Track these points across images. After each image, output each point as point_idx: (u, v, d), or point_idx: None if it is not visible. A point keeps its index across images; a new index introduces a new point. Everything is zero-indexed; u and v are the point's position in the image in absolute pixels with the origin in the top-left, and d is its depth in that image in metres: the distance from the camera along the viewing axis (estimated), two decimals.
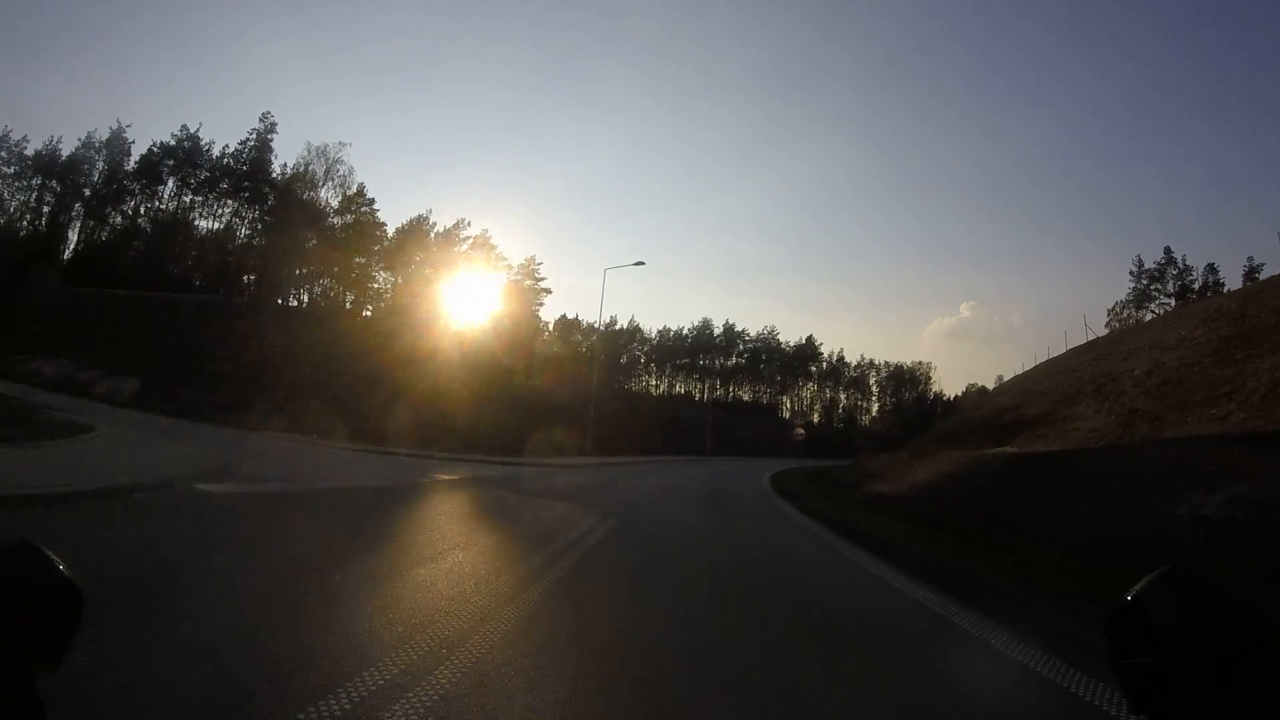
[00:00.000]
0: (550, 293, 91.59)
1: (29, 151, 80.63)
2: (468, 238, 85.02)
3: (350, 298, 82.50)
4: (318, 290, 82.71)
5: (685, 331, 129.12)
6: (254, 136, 79.16)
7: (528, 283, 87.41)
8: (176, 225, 77.66)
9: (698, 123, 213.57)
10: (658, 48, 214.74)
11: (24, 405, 17.59)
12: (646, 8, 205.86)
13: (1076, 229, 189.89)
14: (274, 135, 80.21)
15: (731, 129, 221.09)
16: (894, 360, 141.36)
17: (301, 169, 75.18)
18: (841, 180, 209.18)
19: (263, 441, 26.56)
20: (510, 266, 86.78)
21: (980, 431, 31.68)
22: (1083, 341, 42.38)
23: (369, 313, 79.56)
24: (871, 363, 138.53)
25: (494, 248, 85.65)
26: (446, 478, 19.63)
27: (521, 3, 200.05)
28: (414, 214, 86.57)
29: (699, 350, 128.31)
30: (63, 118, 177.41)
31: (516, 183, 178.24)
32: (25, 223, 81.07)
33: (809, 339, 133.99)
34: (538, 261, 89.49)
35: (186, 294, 59.54)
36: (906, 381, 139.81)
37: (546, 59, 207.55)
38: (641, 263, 45.68)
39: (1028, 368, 48.32)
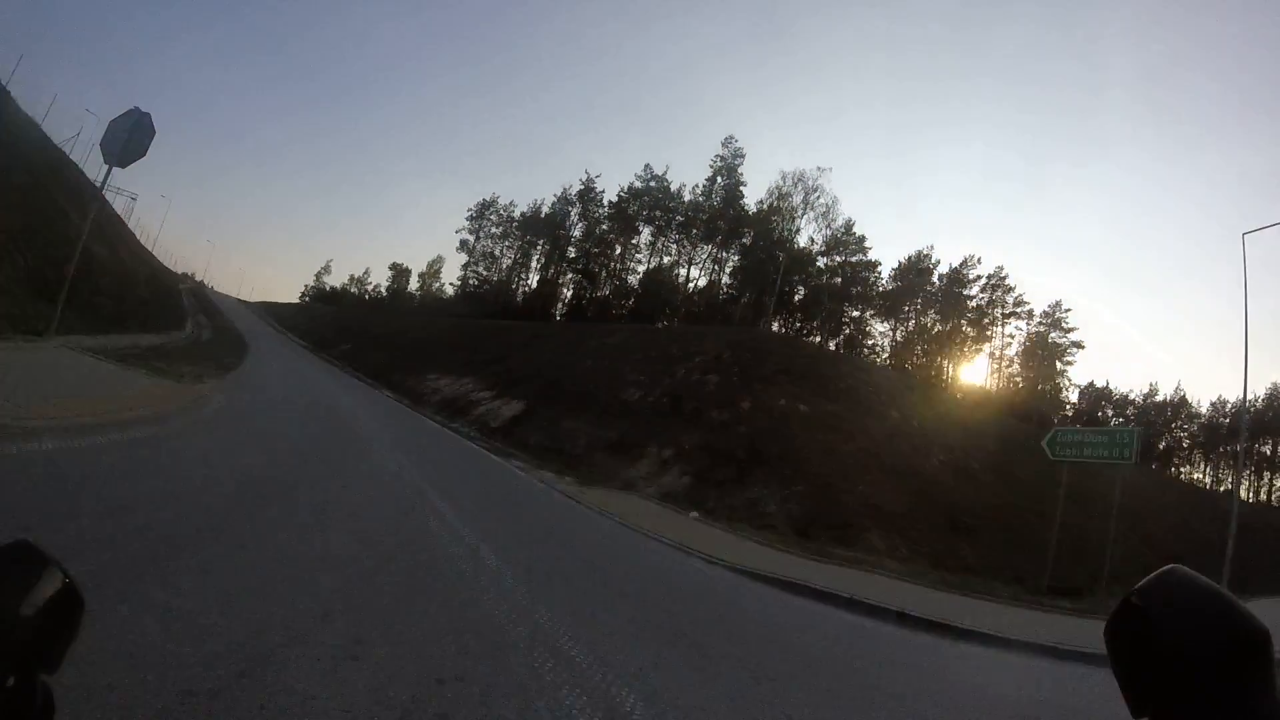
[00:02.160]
0: (1082, 348, 66.95)
1: (516, 214, 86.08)
2: (978, 278, 66.90)
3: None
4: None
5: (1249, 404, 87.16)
6: (720, 163, 70.01)
7: (1053, 335, 65.81)
8: (656, 276, 71.57)
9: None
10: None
11: None
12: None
13: None
14: (740, 161, 70.35)
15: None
16: None
17: (775, 200, 64.43)
18: None
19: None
20: (1030, 314, 66.47)
21: None
22: None
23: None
24: None
25: (1010, 289, 66.60)
26: None
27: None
28: (910, 250, 70.54)
29: (1260, 431, 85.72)
30: (547, 183, 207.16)
31: (1021, 224, 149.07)
32: (516, 276, 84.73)
33: None
34: (1064, 308, 66.70)
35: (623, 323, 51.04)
36: None
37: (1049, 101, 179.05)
38: None
39: None
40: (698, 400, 26.05)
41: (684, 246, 72.44)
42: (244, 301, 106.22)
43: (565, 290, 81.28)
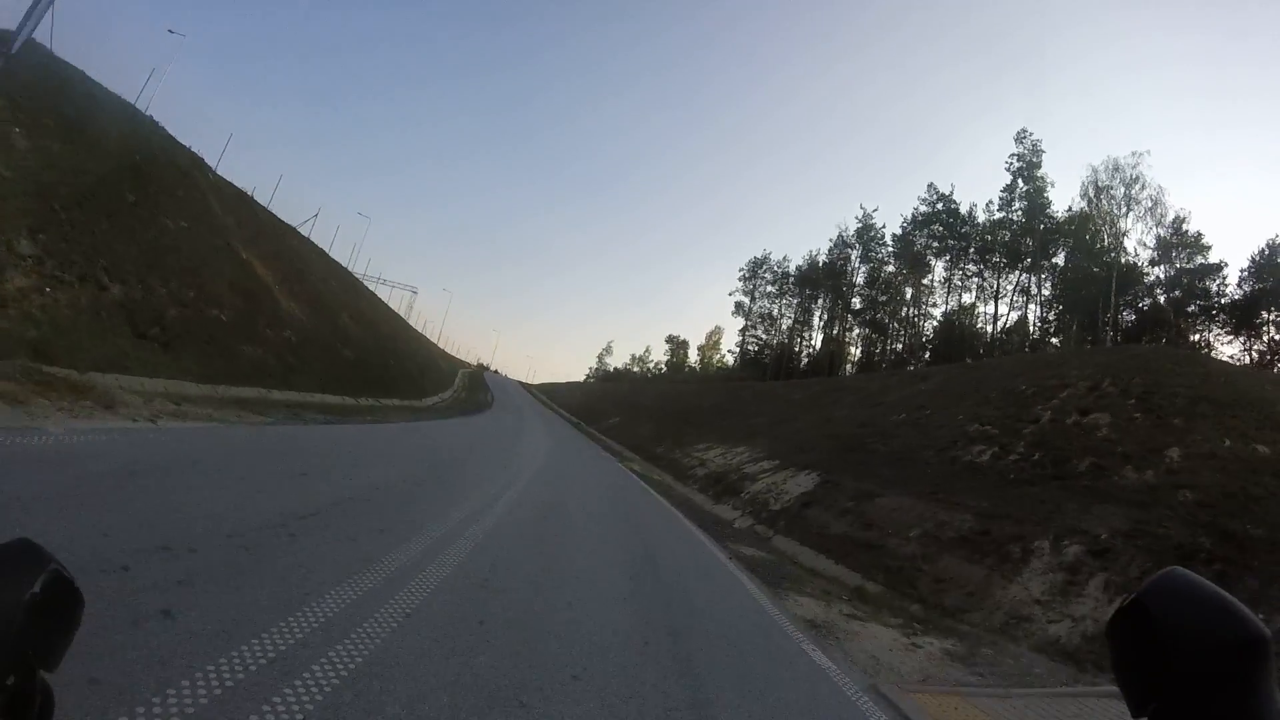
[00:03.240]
0: None
1: (791, 268, 79.46)
2: None
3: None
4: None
5: None
6: (1017, 163, 57.36)
7: None
8: (955, 319, 60.22)
9: None
10: None
11: None
12: None
13: None
14: (1040, 158, 57.15)
15: None
16: None
17: (1091, 198, 50.45)
18: None
19: None
20: None
21: None
22: None
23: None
24: None
25: None
26: None
27: None
28: (1260, 242, 50.00)
29: None
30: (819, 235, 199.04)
31: None
32: (797, 337, 77.55)
33: None
34: None
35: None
36: None
37: None
38: None
39: None
40: (1091, 452, 16.50)
41: (984, 278, 60.11)
42: (526, 384, 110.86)
43: (852, 348, 72.22)
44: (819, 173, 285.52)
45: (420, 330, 71.78)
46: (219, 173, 26.18)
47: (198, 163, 24.27)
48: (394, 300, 66.92)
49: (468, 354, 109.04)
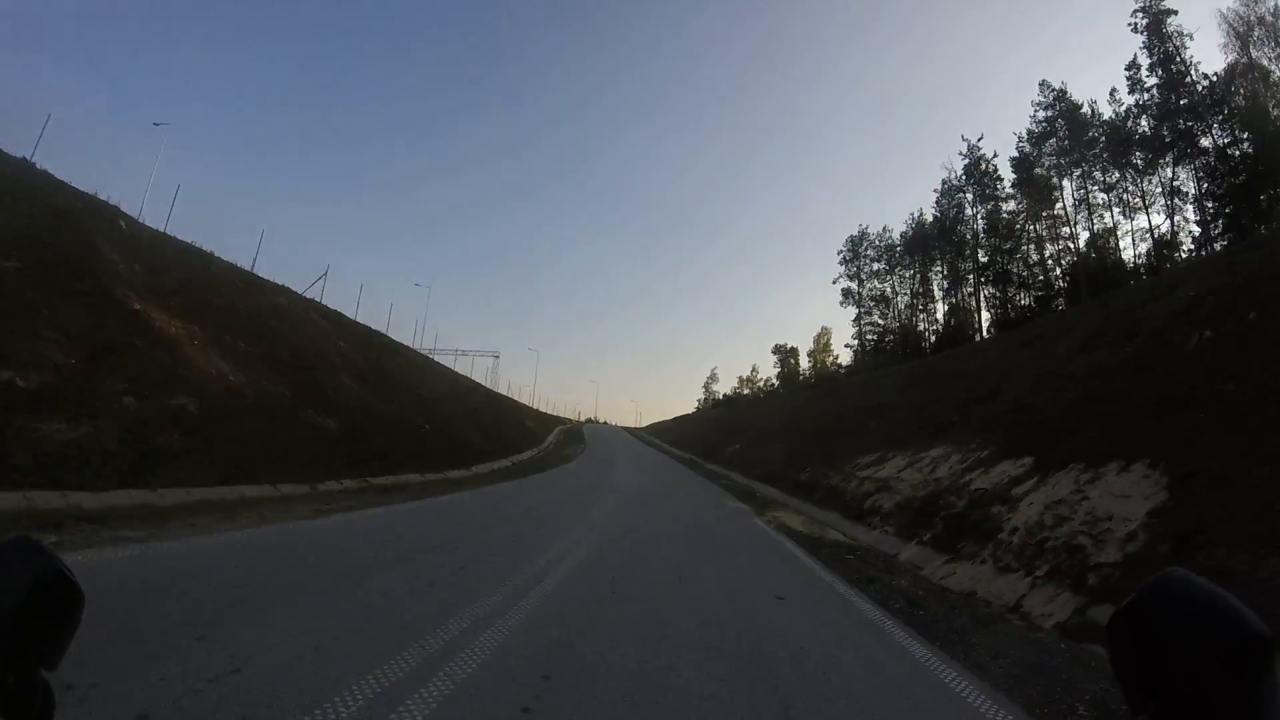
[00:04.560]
0: None
1: (895, 237, 71.24)
2: None
3: None
4: None
5: None
6: (1142, 19, 42.84)
7: None
8: (1095, 247, 47.78)
9: None
10: None
11: None
12: None
13: None
14: (1173, 17, 42.36)
15: None
16: None
17: (1242, 42, 36.71)
18: None
19: None
20: None
21: None
22: None
23: None
24: None
25: None
26: None
27: None
28: None
29: None
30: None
31: None
32: (917, 314, 66.65)
33: None
34: None
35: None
36: None
37: None
38: None
39: None
40: None
41: (1127, 186, 45.64)
42: (631, 429, 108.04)
43: (981, 313, 59.48)
44: (905, 121, 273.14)
45: (506, 393, 66.26)
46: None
47: (96, 208, 19.12)
48: (472, 368, 64.75)
49: (568, 410, 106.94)
